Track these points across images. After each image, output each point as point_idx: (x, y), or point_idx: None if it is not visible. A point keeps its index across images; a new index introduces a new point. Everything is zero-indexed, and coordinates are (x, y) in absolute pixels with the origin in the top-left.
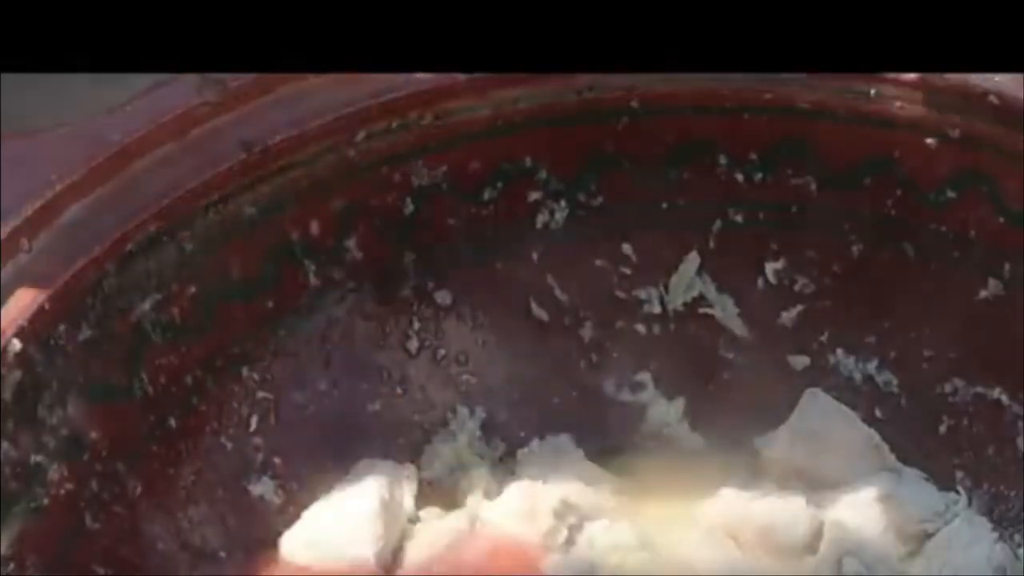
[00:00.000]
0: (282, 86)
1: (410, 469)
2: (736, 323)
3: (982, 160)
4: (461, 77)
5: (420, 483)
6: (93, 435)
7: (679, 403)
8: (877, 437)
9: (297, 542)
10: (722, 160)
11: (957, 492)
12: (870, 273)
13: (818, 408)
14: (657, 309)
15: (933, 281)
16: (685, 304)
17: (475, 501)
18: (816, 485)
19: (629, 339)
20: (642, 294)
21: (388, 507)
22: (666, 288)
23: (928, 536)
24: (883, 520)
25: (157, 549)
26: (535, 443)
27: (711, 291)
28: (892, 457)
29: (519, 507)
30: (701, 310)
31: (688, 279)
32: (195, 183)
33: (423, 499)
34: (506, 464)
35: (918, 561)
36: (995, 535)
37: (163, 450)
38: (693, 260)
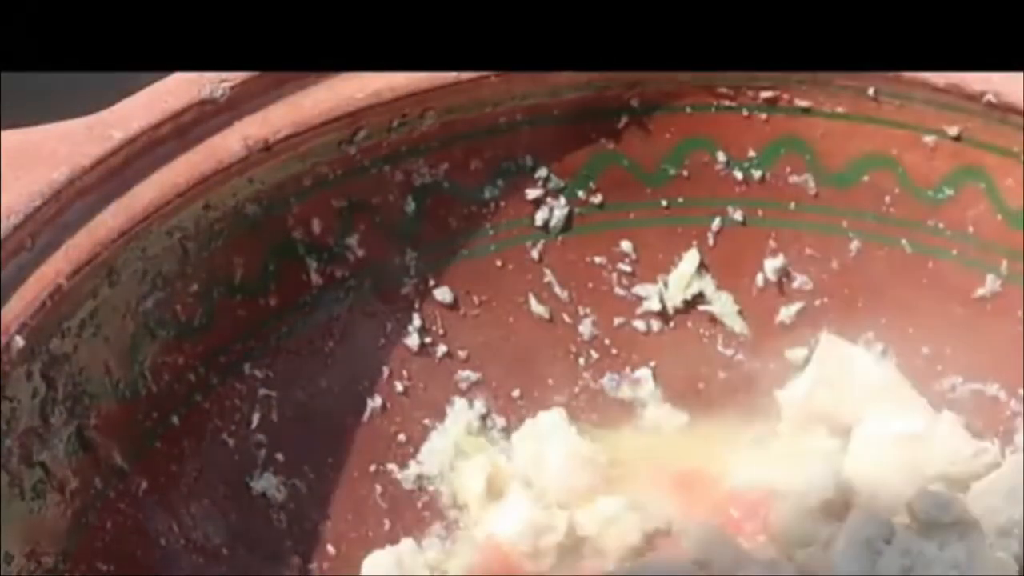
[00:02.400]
0: (283, 85)
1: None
2: (735, 320)
3: (980, 158)
4: (462, 76)
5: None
6: (97, 432)
7: (678, 400)
8: (900, 376)
9: None
10: (721, 158)
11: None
12: (868, 270)
13: (836, 353)
14: (656, 306)
15: (931, 278)
16: (684, 301)
17: (476, 502)
18: (839, 431)
19: (628, 336)
20: (641, 291)
21: None
22: (665, 285)
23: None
24: (908, 460)
25: (160, 545)
26: (528, 422)
27: (710, 288)
28: (915, 394)
29: (524, 538)
30: (700, 307)
31: (687, 276)
32: (196, 181)
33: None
34: (502, 447)
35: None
36: None
37: (166, 447)
38: (692, 257)
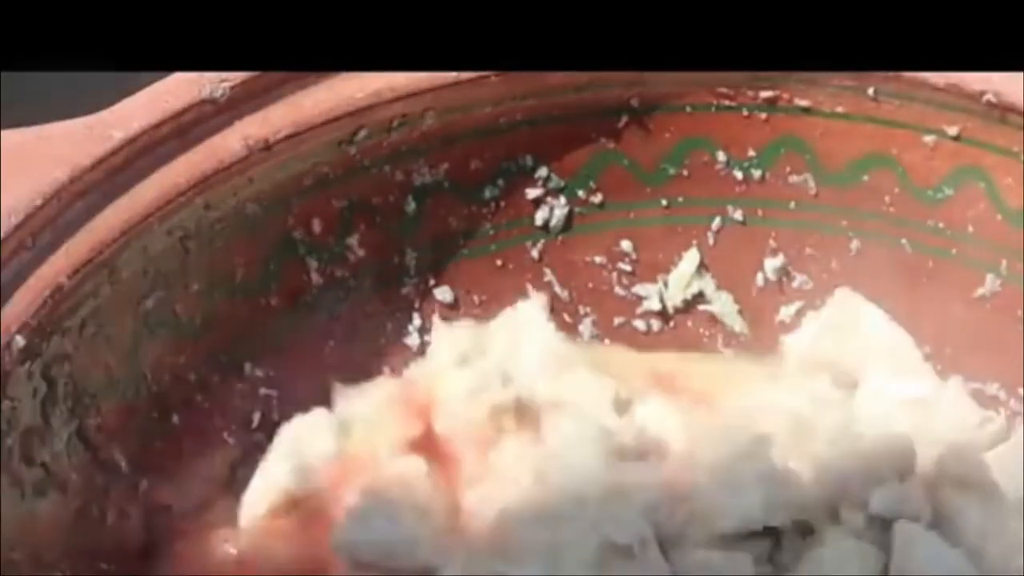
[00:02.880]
0: (283, 85)
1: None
2: (735, 320)
3: (980, 158)
4: (462, 76)
5: None
6: (97, 431)
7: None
8: (910, 340)
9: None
10: (721, 157)
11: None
12: (868, 270)
13: (849, 305)
14: (656, 306)
15: (931, 278)
16: (684, 301)
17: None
18: (842, 382)
19: (628, 336)
20: (641, 291)
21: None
22: (665, 285)
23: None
24: (914, 425)
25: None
26: (506, 312)
27: (710, 288)
28: (920, 359)
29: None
30: (700, 307)
31: (687, 276)
32: (197, 181)
33: None
34: None
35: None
36: None
37: (167, 446)
38: (692, 257)
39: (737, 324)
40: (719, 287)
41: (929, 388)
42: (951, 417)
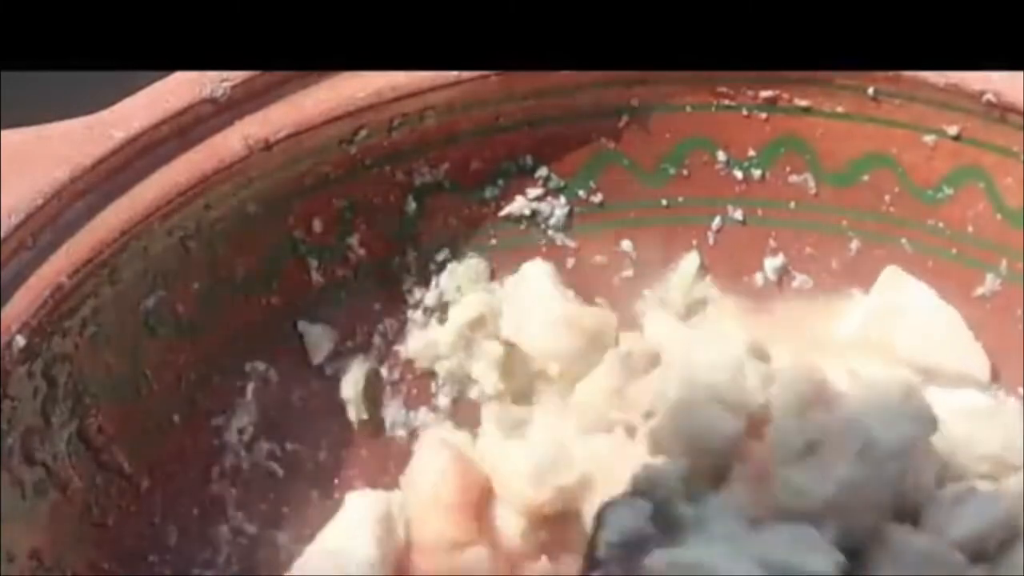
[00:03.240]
0: (284, 84)
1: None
2: None
3: (979, 158)
4: (462, 76)
5: None
6: (98, 431)
7: None
8: (959, 317)
9: None
10: (721, 157)
11: None
12: (868, 269)
13: (898, 284)
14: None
15: (931, 277)
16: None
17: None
18: (896, 363)
19: None
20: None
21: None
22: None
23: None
24: (966, 434)
25: (163, 543)
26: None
27: (711, 288)
28: (971, 337)
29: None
30: None
31: (688, 276)
32: (197, 181)
33: None
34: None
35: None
36: None
37: (168, 446)
38: (693, 257)
39: None
40: (720, 287)
41: (986, 401)
42: (1002, 435)
